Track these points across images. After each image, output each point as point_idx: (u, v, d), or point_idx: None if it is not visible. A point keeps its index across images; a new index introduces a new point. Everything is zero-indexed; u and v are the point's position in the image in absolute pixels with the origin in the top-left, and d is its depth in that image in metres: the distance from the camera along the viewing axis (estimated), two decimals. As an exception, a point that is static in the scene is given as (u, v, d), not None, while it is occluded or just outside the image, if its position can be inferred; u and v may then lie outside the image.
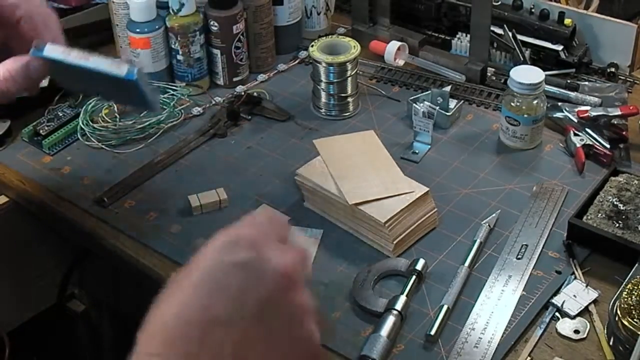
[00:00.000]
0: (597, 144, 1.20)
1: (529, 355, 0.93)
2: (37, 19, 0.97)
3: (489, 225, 1.08)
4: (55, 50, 0.93)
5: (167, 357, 0.62)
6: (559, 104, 1.28)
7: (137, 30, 1.30)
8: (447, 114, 1.26)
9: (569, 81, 1.33)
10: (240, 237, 0.66)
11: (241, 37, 1.35)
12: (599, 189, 1.10)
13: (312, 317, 0.68)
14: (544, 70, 1.22)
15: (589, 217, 1.06)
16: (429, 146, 1.24)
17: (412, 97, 1.30)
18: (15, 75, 0.95)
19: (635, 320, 0.89)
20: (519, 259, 1.04)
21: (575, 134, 1.21)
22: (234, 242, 0.66)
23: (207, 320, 0.63)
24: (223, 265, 0.65)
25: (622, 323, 0.89)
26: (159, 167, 1.22)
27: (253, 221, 0.70)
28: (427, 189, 1.08)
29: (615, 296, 0.93)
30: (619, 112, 1.22)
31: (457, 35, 1.43)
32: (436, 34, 1.47)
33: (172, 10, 1.30)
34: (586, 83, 1.33)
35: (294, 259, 0.67)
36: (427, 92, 1.30)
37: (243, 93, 1.33)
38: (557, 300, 0.98)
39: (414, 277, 1.00)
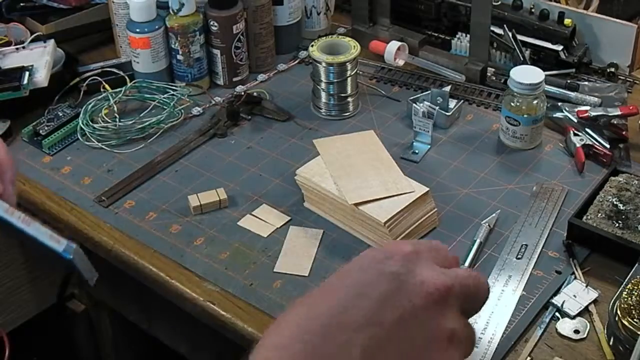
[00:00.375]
0: (597, 144, 1.20)
1: (529, 355, 0.93)
2: None
3: (489, 225, 1.08)
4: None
5: (292, 349, 0.62)
6: (559, 104, 1.28)
7: (137, 30, 1.30)
8: (447, 114, 1.26)
9: (568, 81, 1.33)
10: (396, 252, 0.66)
11: (241, 37, 1.35)
12: (599, 189, 1.10)
13: (460, 349, 0.66)
14: (544, 70, 1.22)
15: (588, 217, 1.06)
16: (429, 146, 1.24)
17: (412, 97, 1.30)
18: None
19: (635, 320, 0.89)
20: (518, 258, 1.04)
21: (575, 134, 1.21)
22: (390, 255, 0.66)
23: (343, 321, 0.63)
24: (372, 273, 0.65)
25: (622, 323, 0.89)
26: (159, 167, 1.22)
27: (414, 242, 0.69)
28: (427, 189, 1.08)
29: (615, 296, 0.93)
30: (618, 112, 1.22)
31: (457, 35, 1.43)
32: (436, 34, 1.47)
33: (172, 10, 1.30)
34: (586, 83, 1.33)
35: (453, 280, 0.66)
36: (427, 92, 1.30)
37: (243, 93, 1.33)
38: (557, 300, 0.98)
39: (414, 277, 1.00)
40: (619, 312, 0.90)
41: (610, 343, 0.92)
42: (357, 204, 1.05)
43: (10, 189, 0.95)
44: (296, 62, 1.44)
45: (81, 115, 1.27)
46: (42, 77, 1.27)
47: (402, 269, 0.64)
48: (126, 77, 1.34)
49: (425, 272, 0.65)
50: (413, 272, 0.65)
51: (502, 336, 0.94)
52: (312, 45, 1.28)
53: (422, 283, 0.64)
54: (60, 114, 1.30)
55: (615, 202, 1.08)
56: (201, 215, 1.12)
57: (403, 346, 0.63)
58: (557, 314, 0.97)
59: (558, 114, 1.26)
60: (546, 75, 1.21)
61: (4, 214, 0.90)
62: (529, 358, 0.93)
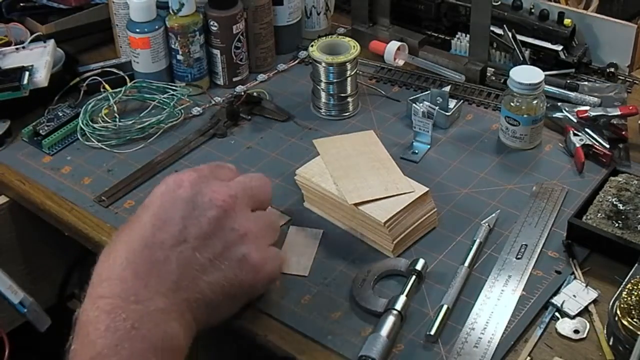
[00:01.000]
0: (597, 144, 1.20)
1: (529, 355, 0.93)
2: None
3: (489, 225, 1.09)
4: None
5: (122, 280, 0.77)
6: (559, 104, 1.28)
7: (137, 30, 1.30)
8: (447, 114, 1.27)
9: (568, 81, 1.33)
10: (183, 180, 0.86)
11: (241, 37, 1.35)
12: (599, 189, 1.10)
13: (257, 241, 0.88)
14: (544, 70, 1.22)
15: (588, 217, 1.06)
16: (429, 146, 1.24)
17: (411, 97, 1.30)
18: None
19: (635, 320, 0.89)
20: (518, 258, 1.04)
21: (575, 134, 1.21)
22: (178, 183, 0.86)
23: (154, 244, 0.81)
24: (168, 201, 0.84)
25: (622, 323, 0.89)
26: (159, 167, 1.22)
27: (197, 168, 0.91)
28: (427, 189, 1.08)
29: (615, 296, 0.93)
30: (618, 112, 1.22)
31: (457, 35, 1.43)
32: (436, 34, 1.47)
33: (172, 10, 1.30)
34: (586, 83, 1.33)
35: (235, 189, 0.88)
36: (426, 92, 1.30)
37: (243, 93, 1.33)
38: (556, 300, 0.98)
39: (413, 277, 1.01)
40: (618, 312, 0.90)
41: (610, 343, 0.92)
42: (357, 204, 1.05)
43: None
44: (296, 62, 1.45)
45: (81, 115, 1.27)
46: (42, 77, 1.28)
47: (191, 192, 0.85)
48: (126, 77, 1.34)
49: (211, 189, 0.86)
50: (201, 192, 0.86)
51: (502, 336, 0.94)
52: (312, 45, 1.28)
53: (210, 200, 0.85)
54: (60, 114, 1.30)
55: (615, 202, 1.08)
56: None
57: (208, 252, 0.83)
58: (556, 314, 0.97)
59: (558, 114, 1.26)
60: (546, 75, 1.21)
61: None
62: (528, 358, 0.93)
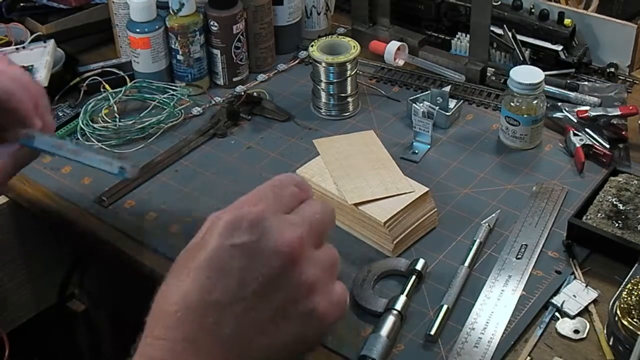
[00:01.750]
0: (597, 144, 1.20)
1: (529, 355, 0.93)
2: (27, 103, 0.91)
3: (489, 225, 1.08)
4: (45, 143, 0.89)
5: (171, 341, 0.64)
6: (559, 104, 1.28)
7: (137, 30, 1.30)
8: (447, 114, 1.27)
9: (568, 81, 1.33)
10: (242, 218, 0.67)
11: (241, 37, 1.35)
12: (599, 189, 1.10)
13: (323, 291, 0.69)
14: (544, 70, 1.22)
15: (588, 217, 1.06)
16: (429, 146, 1.24)
17: (411, 97, 1.30)
18: (3, 165, 0.91)
19: (635, 320, 0.89)
20: (518, 258, 1.04)
21: (575, 134, 1.21)
22: (236, 224, 0.67)
23: (207, 303, 0.65)
24: (224, 249, 0.66)
25: (622, 323, 0.89)
26: (159, 167, 1.22)
27: (257, 195, 0.72)
28: (427, 189, 1.08)
29: (615, 296, 0.93)
30: (618, 112, 1.22)
31: (457, 35, 1.43)
32: (436, 34, 1.47)
33: (172, 10, 1.30)
34: (586, 83, 1.33)
35: (302, 226, 0.69)
36: (426, 92, 1.30)
37: (243, 93, 1.33)
38: (556, 300, 0.98)
39: (414, 277, 1.01)
40: (618, 312, 0.90)
41: (610, 343, 0.92)
42: (357, 204, 1.05)
43: (49, 118, 0.92)
44: (296, 62, 1.45)
45: (81, 115, 1.27)
46: (42, 77, 1.27)
47: (252, 238, 0.66)
48: (126, 77, 1.34)
49: (275, 232, 0.67)
50: (264, 236, 0.67)
51: (502, 336, 0.94)
52: (312, 45, 1.28)
53: (274, 247, 0.66)
54: (60, 114, 1.30)
55: (615, 202, 1.08)
56: (202, 216, 1.12)
57: (269, 311, 0.66)
58: (557, 314, 0.97)
59: (558, 114, 1.26)
60: (546, 75, 1.21)
61: (53, 149, 0.88)
62: (528, 358, 0.93)
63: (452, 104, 1.28)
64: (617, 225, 1.05)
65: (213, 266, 0.66)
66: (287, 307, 0.67)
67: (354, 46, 1.27)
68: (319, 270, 0.70)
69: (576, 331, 0.95)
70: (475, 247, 1.05)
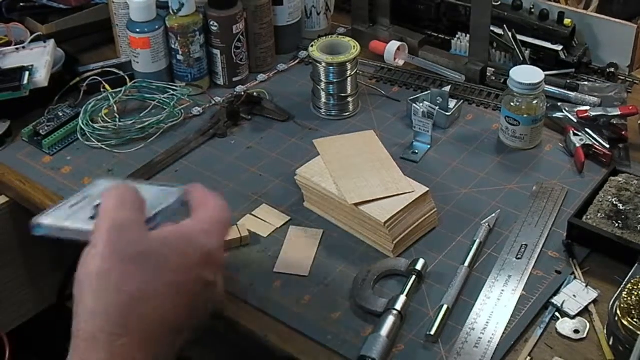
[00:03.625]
0: (597, 144, 1.20)
1: (529, 355, 0.93)
2: None
3: (489, 225, 1.08)
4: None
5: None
6: (559, 104, 1.28)
7: (137, 30, 1.30)
8: (447, 114, 1.27)
9: (568, 81, 1.33)
10: (213, 261, 0.77)
11: (241, 37, 1.35)
12: (599, 188, 1.10)
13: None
14: (544, 70, 1.22)
15: (588, 217, 1.06)
16: (429, 146, 1.24)
17: (411, 97, 1.30)
18: None
19: (635, 320, 0.89)
20: (518, 258, 1.04)
21: (575, 134, 1.21)
22: (207, 262, 0.76)
23: (170, 324, 0.72)
24: (191, 278, 0.74)
25: (622, 323, 0.89)
26: (159, 167, 1.22)
27: (219, 244, 0.79)
28: (427, 189, 1.08)
29: (615, 296, 0.93)
30: (618, 112, 1.22)
31: (457, 35, 1.43)
32: (436, 34, 1.47)
33: (172, 10, 1.30)
34: (586, 83, 1.33)
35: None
36: (426, 92, 1.30)
37: (243, 93, 1.33)
38: (557, 300, 0.98)
39: (414, 277, 1.01)
40: (618, 312, 0.90)
41: (610, 343, 0.92)
42: (357, 204, 1.05)
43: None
44: (296, 62, 1.45)
45: (81, 115, 1.27)
46: (42, 77, 1.27)
47: (213, 278, 0.76)
48: (126, 77, 1.34)
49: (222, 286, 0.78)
50: (219, 286, 0.77)
51: (502, 336, 0.94)
52: (312, 45, 1.28)
53: (220, 290, 0.78)
54: (60, 114, 1.30)
55: (615, 202, 1.08)
56: (201, 215, 1.12)
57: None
58: (557, 313, 0.97)
59: (558, 114, 1.26)
60: (546, 75, 1.21)
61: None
62: (528, 358, 0.93)
63: (452, 104, 1.28)
64: (617, 225, 1.05)
65: (181, 292, 0.73)
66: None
67: (354, 46, 1.27)
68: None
69: (576, 331, 0.95)
70: (475, 247, 1.05)
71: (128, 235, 0.73)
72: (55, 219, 0.81)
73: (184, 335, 0.73)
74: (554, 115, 1.26)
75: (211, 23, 1.33)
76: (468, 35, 1.37)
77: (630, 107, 1.23)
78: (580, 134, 1.22)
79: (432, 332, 0.94)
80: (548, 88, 1.28)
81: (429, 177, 1.17)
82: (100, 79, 1.33)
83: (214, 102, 1.34)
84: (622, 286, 0.94)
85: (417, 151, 1.23)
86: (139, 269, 0.71)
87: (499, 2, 1.40)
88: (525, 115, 1.20)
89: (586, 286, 1.00)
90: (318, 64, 1.27)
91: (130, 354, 0.69)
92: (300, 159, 1.20)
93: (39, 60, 1.31)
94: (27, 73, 1.26)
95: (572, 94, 1.31)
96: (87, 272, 0.73)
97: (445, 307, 0.97)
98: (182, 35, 1.31)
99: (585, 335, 0.95)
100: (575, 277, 1.01)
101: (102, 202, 0.76)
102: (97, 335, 0.69)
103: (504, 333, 0.95)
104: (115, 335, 0.69)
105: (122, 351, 0.69)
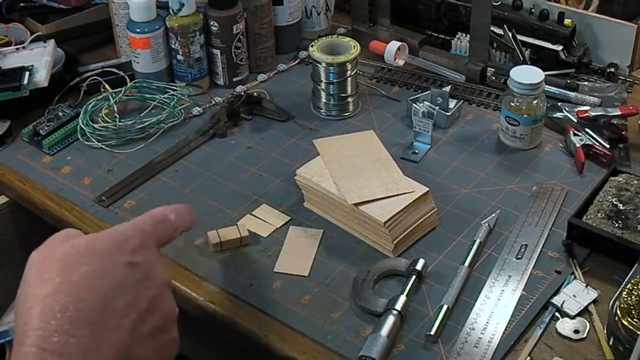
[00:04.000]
0: (597, 144, 1.20)
1: (529, 355, 0.93)
2: None
3: (489, 225, 1.08)
4: None
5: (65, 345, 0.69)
6: (559, 104, 1.28)
7: (137, 30, 1.30)
8: (447, 114, 1.27)
9: (568, 81, 1.33)
10: (136, 245, 0.77)
11: (241, 37, 1.35)
12: (599, 189, 1.10)
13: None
14: (544, 70, 1.22)
15: (588, 217, 1.06)
16: (429, 146, 1.24)
17: (411, 97, 1.30)
18: None
19: (635, 320, 0.89)
20: (518, 258, 1.04)
21: (575, 134, 1.21)
22: (133, 248, 0.77)
23: (110, 311, 0.72)
24: (120, 266, 0.75)
25: (622, 323, 0.89)
26: (159, 167, 1.22)
27: (143, 228, 0.81)
28: (427, 189, 1.08)
29: (615, 296, 0.93)
30: (618, 112, 1.22)
31: (457, 35, 1.43)
32: (436, 34, 1.47)
33: (172, 10, 1.30)
34: (586, 83, 1.33)
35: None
36: (426, 92, 1.30)
37: (243, 93, 1.33)
38: (557, 300, 0.98)
39: (414, 277, 1.01)
40: (618, 312, 0.90)
41: (610, 343, 0.92)
42: (357, 204, 1.05)
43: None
44: (296, 62, 1.45)
45: (81, 115, 1.27)
46: (42, 77, 1.28)
47: (143, 262, 0.76)
48: (126, 77, 1.34)
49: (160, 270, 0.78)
50: (152, 267, 0.77)
51: (502, 336, 0.94)
52: (312, 46, 1.28)
53: (161, 274, 0.77)
54: (60, 114, 1.30)
55: (615, 202, 1.08)
56: (201, 216, 1.12)
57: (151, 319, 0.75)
58: (557, 314, 0.97)
59: (558, 114, 1.26)
60: (546, 75, 1.21)
61: None
62: (528, 358, 0.93)
63: (452, 104, 1.28)
64: (617, 225, 1.05)
65: (114, 280, 0.74)
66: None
67: (354, 46, 1.27)
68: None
69: (576, 331, 0.95)
70: (475, 247, 1.05)
71: (42, 253, 0.77)
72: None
73: (128, 318, 0.73)
74: (554, 115, 1.26)
75: (211, 23, 1.33)
76: (468, 35, 1.37)
77: (630, 107, 1.23)
78: (580, 134, 1.22)
79: (432, 332, 0.94)
80: (548, 88, 1.28)
81: (429, 177, 1.17)
82: (100, 79, 1.33)
83: (214, 102, 1.34)
84: (622, 286, 0.94)
85: (417, 151, 1.23)
86: (51, 272, 0.74)
87: (499, 2, 1.40)
88: (525, 115, 1.20)
89: (586, 286, 1.00)
90: (318, 64, 1.27)
91: (83, 347, 0.69)
92: (300, 159, 1.20)
93: (39, 60, 1.31)
94: (27, 73, 1.26)
95: (572, 94, 1.31)
96: (16, 298, 0.78)
97: (445, 307, 0.97)
98: (182, 35, 1.31)
99: (585, 335, 0.95)
100: (575, 277, 1.01)
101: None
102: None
103: (504, 333, 0.95)
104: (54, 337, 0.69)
105: (76, 349, 0.68)
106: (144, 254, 0.77)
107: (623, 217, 1.06)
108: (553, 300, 0.98)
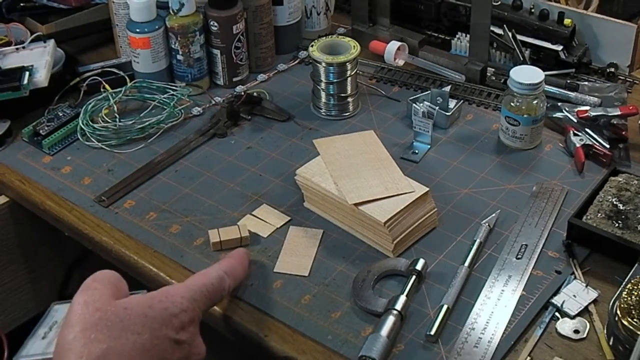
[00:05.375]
0: (597, 144, 1.20)
1: (529, 355, 0.93)
2: None
3: (489, 225, 1.09)
4: None
5: None
6: (559, 104, 1.28)
7: (137, 30, 1.30)
8: (447, 114, 1.27)
9: (568, 81, 1.33)
10: (186, 321, 0.82)
11: (241, 37, 1.35)
12: (599, 189, 1.10)
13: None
14: (544, 70, 1.22)
15: (588, 217, 1.06)
16: (429, 146, 1.24)
17: (411, 97, 1.30)
18: None
19: (635, 320, 0.89)
20: (518, 258, 1.04)
21: (575, 134, 1.21)
22: (181, 324, 0.81)
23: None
24: (166, 339, 0.79)
25: (622, 323, 0.89)
26: (159, 167, 1.22)
27: (193, 305, 0.85)
28: (427, 189, 1.08)
29: (615, 296, 0.93)
30: (618, 112, 1.22)
31: (457, 35, 1.43)
32: (436, 34, 1.47)
33: (172, 10, 1.30)
34: (586, 83, 1.33)
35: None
36: (426, 92, 1.30)
37: (243, 93, 1.33)
38: (557, 300, 0.98)
39: (414, 277, 1.01)
40: (618, 312, 0.90)
41: (610, 343, 0.92)
42: (357, 204, 1.05)
43: None
44: (296, 62, 1.45)
45: (81, 115, 1.27)
46: (42, 77, 1.28)
47: (188, 340, 0.81)
48: (126, 77, 1.34)
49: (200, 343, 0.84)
50: (194, 343, 0.83)
51: (502, 336, 0.94)
52: (312, 45, 1.28)
53: (198, 349, 0.83)
54: (60, 114, 1.30)
55: (615, 202, 1.08)
56: (201, 217, 1.12)
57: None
58: (557, 313, 0.97)
59: (558, 114, 1.26)
60: (546, 75, 1.21)
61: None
62: (528, 358, 0.93)
63: (452, 104, 1.28)
64: (617, 225, 1.05)
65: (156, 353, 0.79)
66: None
67: (354, 46, 1.27)
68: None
69: (576, 331, 0.95)
70: (475, 247, 1.05)
71: (93, 305, 0.78)
72: (35, 351, 0.91)
73: None
74: (554, 115, 1.26)
75: (211, 23, 1.33)
76: (468, 35, 1.37)
77: (630, 107, 1.23)
78: (580, 134, 1.22)
79: (432, 332, 0.94)
80: (548, 88, 1.28)
81: (429, 177, 1.17)
82: (100, 79, 1.33)
83: (214, 102, 1.34)
84: (622, 286, 0.94)
85: (417, 151, 1.23)
86: (100, 333, 0.76)
87: (499, 2, 1.40)
88: (525, 115, 1.20)
89: (586, 286, 1.00)
90: (318, 64, 1.27)
91: None
92: (300, 159, 1.20)
93: (39, 60, 1.31)
94: (27, 73, 1.26)
95: (572, 94, 1.31)
96: (57, 343, 0.78)
97: (445, 307, 0.97)
98: (182, 35, 1.31)
99: (585, 335, 0.95)
100: (575, 277, 1.01)
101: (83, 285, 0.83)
102: None
103: (504, 333, 0.95)
104: None
105: None
106: (190, 331, 0.81)
107: (623, 217, 1.06)
108: (553, 300, 0.98)
